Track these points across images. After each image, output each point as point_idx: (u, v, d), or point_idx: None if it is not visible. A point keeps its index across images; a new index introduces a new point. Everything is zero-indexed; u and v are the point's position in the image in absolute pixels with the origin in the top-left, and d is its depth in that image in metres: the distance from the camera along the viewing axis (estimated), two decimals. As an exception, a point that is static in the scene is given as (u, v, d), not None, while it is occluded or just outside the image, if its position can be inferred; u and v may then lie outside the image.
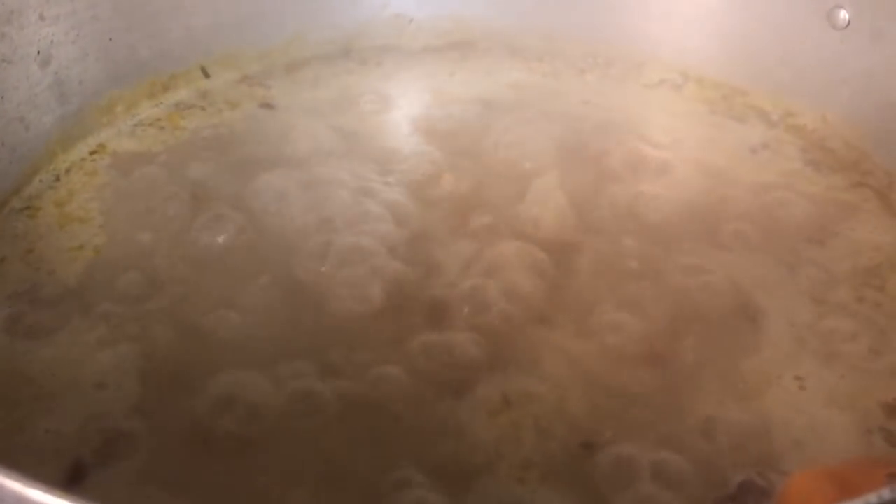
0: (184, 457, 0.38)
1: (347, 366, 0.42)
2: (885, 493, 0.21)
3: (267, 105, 0.62)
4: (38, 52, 0.53)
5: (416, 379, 0.42)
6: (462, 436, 0.39)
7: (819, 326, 0.44)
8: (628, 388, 0.42)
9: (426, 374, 0.42)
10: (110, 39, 0.57)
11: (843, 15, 0.55)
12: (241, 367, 0.42)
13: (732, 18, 0.62)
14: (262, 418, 0.40)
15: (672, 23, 0.64)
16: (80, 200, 0.53)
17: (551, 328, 0.45)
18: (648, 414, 0.40)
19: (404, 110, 0.62)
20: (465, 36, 0.68)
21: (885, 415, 0.40)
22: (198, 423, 0.40)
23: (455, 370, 0.42)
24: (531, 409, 0.40)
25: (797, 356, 0.43)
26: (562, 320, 0.45)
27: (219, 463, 0.38)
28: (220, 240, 0.50)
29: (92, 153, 0.57)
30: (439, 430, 0.40)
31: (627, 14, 0.66)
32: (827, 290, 0.47)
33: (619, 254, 0.49)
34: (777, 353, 0.43)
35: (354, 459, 0.38)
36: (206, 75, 0.64)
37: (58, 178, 0.54)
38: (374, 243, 0.50)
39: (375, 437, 0.39)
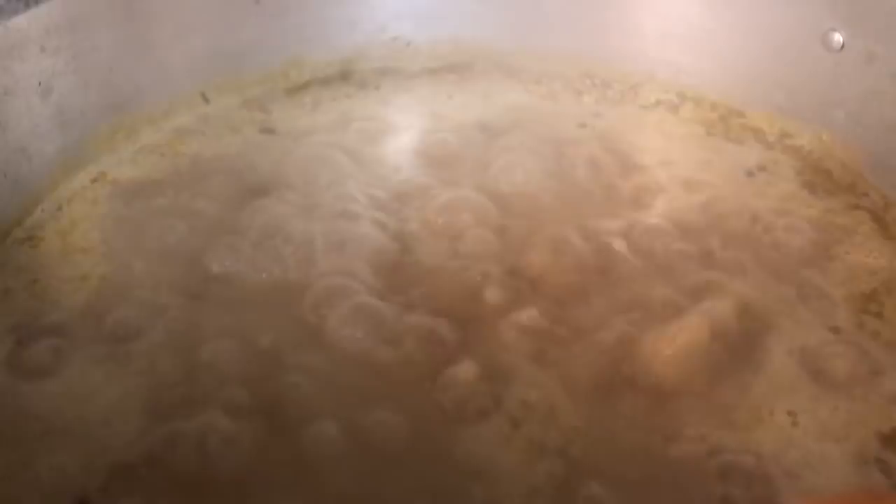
0: (187, 493, 0.39)
1: (351, 401, 0.42)
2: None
3: (267, 129, 0.63)
4: (40, 84, 0.54)
5: (419, 411, 0.42)
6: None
7: (815, 355, 0.44)
8: (621, 414, 0.42)
9: (430, 405, 0.42)
10: (110, 69, 0.58)
11: (838, 38, 0.56)
12: (246, 401, 0.43)
13: (728, 40, 0.62)
14: (266, 454, 0.40)
15: (668, 44, 0.65)
16: (82, 230, 0.53)
17: (550, 354, 0.45)
18: (640, 441, 0.41)
19: (402, 134, 0.62)
20: (463, 58, 0.69)
21: (881, 445, 0.40)
22: (202, 458, 0.40)
23: (459, 401, 0.42)
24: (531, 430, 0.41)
25: (790, 389, 0.43)
26: (558, 346, 0.45)
27: (223, 499, 0.38)
28: (223, 267, 0.50)
29: (93, 181, 0.57)
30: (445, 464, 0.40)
31: (624, 35, 0.66)
32: (825, 317, 0.47)
33: (616, 278, 0.49)
34: (770, 386, 0.43)
35: (363, 497, 0.39)
36: (206, 100, 0.64)
37: (60, 208, 0.55)
38: (373, 270, 0.50)
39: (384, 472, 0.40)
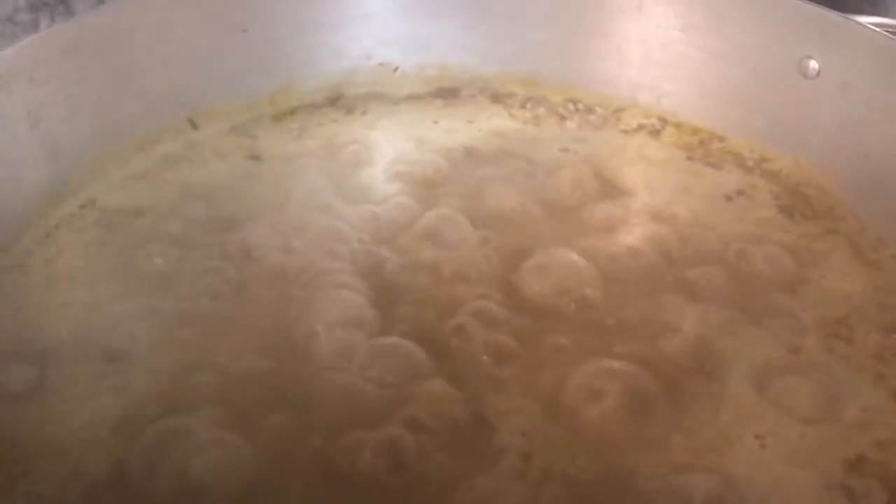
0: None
1: (334, 431, 0.43)
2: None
3: (254, 156, 0.64)
4: (28, 113, 0.55)
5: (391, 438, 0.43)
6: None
7: (784, 380, 0.45)
8: (592, 439, 0.42)
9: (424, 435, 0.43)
10: (99, 97, 0.59)
11: (814, 65, 0.56)
12: (227, 424, 0.43)
13: (709, 66, 0.63)
14: (247, 476, 0.41)
15: (650, 70, 0.65)
16: (69, 258, 0.54)
17: (525, 385, 0.45)
18: (608, 465, 0.41)
19: (388, 159, 0.63)
20: (449, 84, 0.70)
21: (845, 471, 0.41)
22: (180, 480, 0.41)
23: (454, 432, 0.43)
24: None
25: (759, 413, 0.43)
26: (535, 370, 0.46)
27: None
28: (207, 292, 0.51)
29: (81, 208, 0.58)
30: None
31: (607, 62, 0.67)
32: (794, 341, 0.47)
33: (594, 301, 0.50)
34: (738, 410, 0.43)
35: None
36: (195, 127, 0.65)
37: (48, 235, 0.56)
38: (357, 294, 0.51)
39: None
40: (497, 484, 0.40)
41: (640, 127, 0.65)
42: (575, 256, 0.53)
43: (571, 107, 0.67)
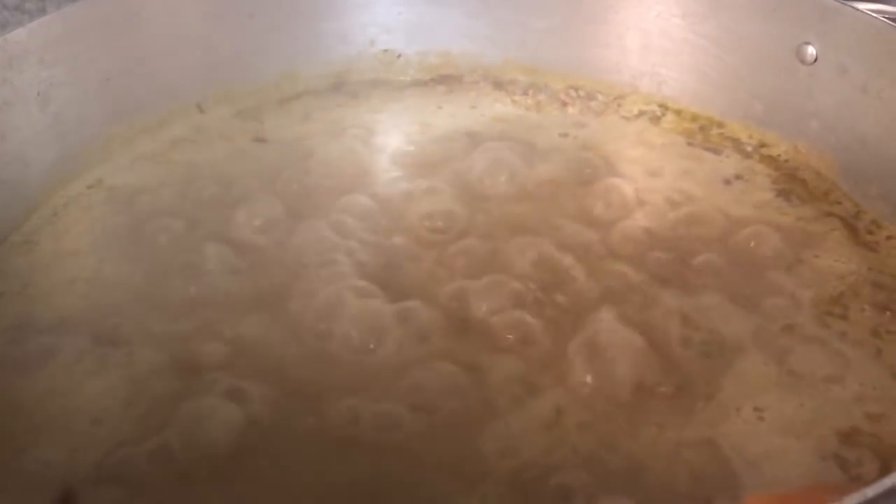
0: (171, 487, 0.40)
1: (337, 402, 0.44)
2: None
3: (259, 139, 0.65)
4: (38, 94, 0.56)
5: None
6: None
7: (782, 356, 0.45)
8: (593, 418, 0.43)
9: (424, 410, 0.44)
10: (107, 80, 0.60)
11: (811, 51, 0.57)
12: (231, 397, 0.44)
13: (708, 53, 0.64)
14: (253, 447, 0.42)
15: (651, 57, 0.66)
16: (76, 234, 0.55)
17: (527, 363, 0.46)
18: (610, 444, 0.42)
19: (392, 143, 0.64)
20: (452, 70, 0.71)
21: (839, 442, 0.41)
22: (186, 451, 0.41)
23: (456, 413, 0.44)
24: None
25: (758, 387, 0.44)
26: (534, 359, 0.47)
27: (207, 494, 0.40)
28: (212, 272, 0.52)
29: (89, 188, 0.59)
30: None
31: (609, 49, 0.68)
32: (791, 319, 0.48)
33: (592, 289, 0.50)
34: (738, 385, 0.44)
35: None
36: (201, 111, 0.66)
37: (55, 213, 0.57)
38: (360, 276, 0.51)
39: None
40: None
41: (641, 113, 0.66)
42: (575, 238, 0.54)
43: (573, 93, 0.68)
